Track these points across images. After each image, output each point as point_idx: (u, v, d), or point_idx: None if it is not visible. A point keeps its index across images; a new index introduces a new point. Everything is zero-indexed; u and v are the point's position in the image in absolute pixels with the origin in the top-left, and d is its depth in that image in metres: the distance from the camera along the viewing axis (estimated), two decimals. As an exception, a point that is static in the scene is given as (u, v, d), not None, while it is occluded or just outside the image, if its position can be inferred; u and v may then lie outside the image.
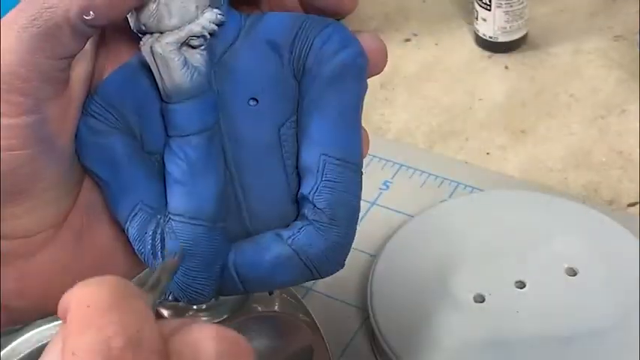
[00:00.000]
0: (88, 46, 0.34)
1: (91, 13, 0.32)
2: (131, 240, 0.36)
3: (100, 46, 0.36)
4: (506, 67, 0.77)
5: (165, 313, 0.54)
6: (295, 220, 0.36)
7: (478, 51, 0.79)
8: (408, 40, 0.82)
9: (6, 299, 0.35)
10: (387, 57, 0.37)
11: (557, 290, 0.55)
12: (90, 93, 0.36)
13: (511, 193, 0.62)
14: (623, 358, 0.51)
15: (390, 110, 0.74)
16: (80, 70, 0.35)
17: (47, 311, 0.37)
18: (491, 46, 0.79)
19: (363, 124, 0.37)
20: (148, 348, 0.25)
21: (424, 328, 0.53)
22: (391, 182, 0.67)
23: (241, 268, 0.36)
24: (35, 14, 0.32)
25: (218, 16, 0.35)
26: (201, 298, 0.36)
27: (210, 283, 0.36)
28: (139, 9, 0.34)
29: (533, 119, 0.72)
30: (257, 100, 0.36)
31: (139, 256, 0.36)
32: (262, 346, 0.53)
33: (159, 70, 0.34)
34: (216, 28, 0.35)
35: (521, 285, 0.55)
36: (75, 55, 0.33)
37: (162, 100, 0.35)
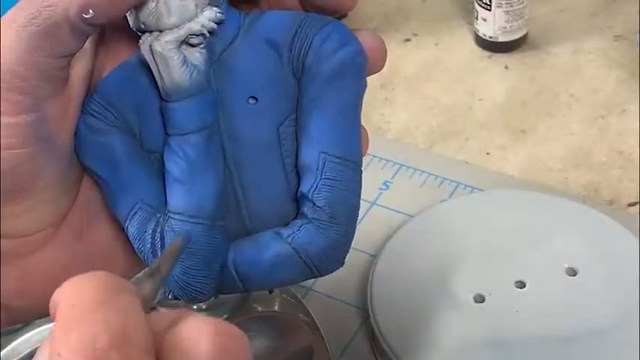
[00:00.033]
0: (88, 44, 0.34)
1: (91, 11, 0.32)
2: (131, 239, 0.36)
3: (99, 45, 0.36)
4: (506, 67, 0.77)
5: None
6: (295, 218, 0.36)
7: (478, 51, 0.79)
8: (408, 40, 0.82)
9: (6, 299, 0.35)
10: (386, 55, 0.37)
11: (557, 290, 0.55)
12: (89, 91, 0.36)
13: (511, 193, 0.62)
14: (623, 358, 0.51)
15: (390, 110, 0.74)
16: (79, 68, 0.35)
17: (47, 311, 0.37)
18: (491, 46, 0.79)
19: (362, 124, 0.37)
20: (136, 345, 0.25)
21: (424, 328, 0.53)
22: (391, 182, 0.66)
23: (241, 266, 0.36)
24: (34, 13, 0.32)
25: (217, 14, 0.35)
26: (200, 297, 0.36)
27: (210, 282, 0.36)
28: (138, 7, 0.34)
29: (533, 119, 0.72)
30: (256, 99, 0.36)
31: (139, 254, 0.36)
32: (262, 346, 0.53)
33: (158, 69, 0.34)
34: (215, 26, 0.35)
35: (521, 285, 0.55)
36: (74, 53, 0.33)
37: (161, 98, 0.35)
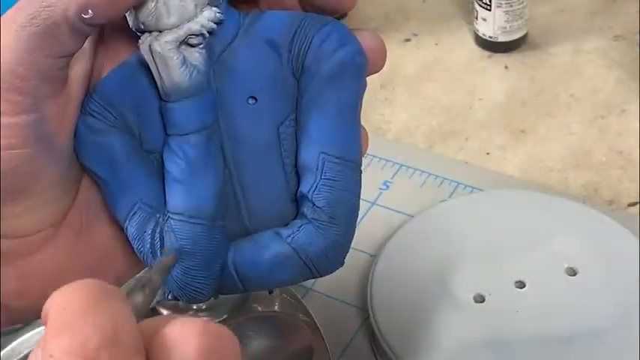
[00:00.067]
0: (87, 44, 0.34)
1: (90, 11, 0.32)
2: (130, 239, 0.36)
3: (98, 45, 0.36)
4: (506, 67, 0.77)
5: (164, 312, 0.53)
6: (294, 218, 0.36)
7: (478, 51, 0.79)
8: (408, 40, 0.82)
9: (6, 299, 0.35)
10: (386, 55, 0.37)
11: (557, 290, 0.54)
12: (89, 92, 0.36)
13: (511, 193, 0.62)
14: (623, 358, 0.51)
15: (390, 110, 0.74)
16: (79, 68, 0.35)
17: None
18: (491, 46, 0.79)
19: (362, 124, 0.37)
20: (126, 347, 0.25)
21: (424, 328, 0.53)
22: (391, 182, 0.66)
23: (241, 266, 0.36)
24: (34, 13, 0.32)
25: (217, 14, 0.35)
26: (200, 297, 0.36)
27: (210, 282, 0.36)
28: (137, 7, 0.34)
29: (533, 119, 0.72)
30: (256, 99, 0.36)
31: (138, 255, 0.36)
32: (262, 346, 0.53)
33: (158, 69, 0.34)
34: (215, 26, 0.35)
35: (521, 285, 0.55)
36: (73, 53, 0.33)
37: (161, 98, 0.35)
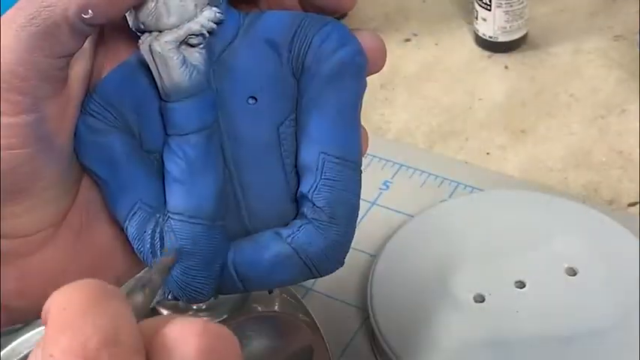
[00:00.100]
0: (87, 44, 0.34)
1: (90, 11, 0.32)
2: (130, 239, 0.36)
3: (98, 45, 0.36)
4: (506, 67, 0.77)
5: (164, 312, 0.53)
6: (294, 218, 0.36)
7: (478, 51, 0.79)
8: (408, 40, 0.82)
9: (6, 299, 0.35)
10: (386, 55, 0.37)
11: (557, 290, 0.54)
12: (89, 92, 0.36)
13: (511, 193, 0.62)
14: (623, 358, 0.51)
15: (390, 110, 0.74)
16: (79, 68, 0.35)
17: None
18: (491, 46, 0.79)
19: (362, 124, 0.37)
20: (126, 347, 0.25)
21: (424, 328, 0.53)
22: (391, 182, 0.66)
23: (241, 266, 0.36)
24: (34, 13, 0.32)
25: (217, 14, 0.35)
26: (200, 297, 0.36)
27: (210, 282, 0.36)
28: (137, 7, 0.34)
29: (533, 119, 0.72)
30: (256, 99, 0.36)
31: (138, 255, 0.36)
32: (262, 346, 0.53)
33: (158, 69, 0.34)
34: (215, 26, 0.35)
35: (521, 285, 0.55)
36: (73, 53, 0.33)
37: (161, 98, 0.35)
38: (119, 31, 0.36)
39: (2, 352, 0.54)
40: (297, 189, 0.36)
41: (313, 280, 0.58)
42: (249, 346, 0.52)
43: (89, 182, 0.37)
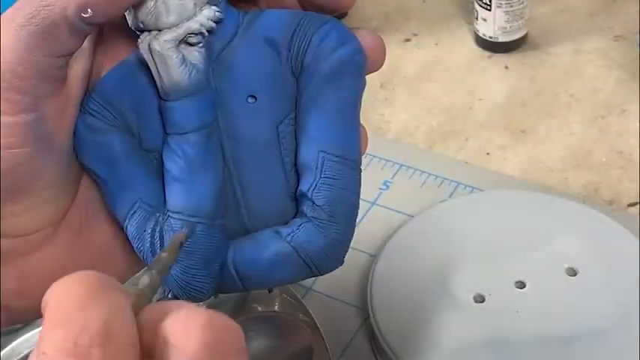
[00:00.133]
0: (86, 43, 0.34)
1: (89, 10, 0.32)
2: (130, 238, 0.36)
3: (97, 44, 0.36)
4: (506, 67, 0.77)
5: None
6: (294, 217, 0.36)
7: (478, 51, 0.79)
8: (408, 40, 0.82)
9: (6, 298, 0.35)
10: (385, 54, 0.37)
11: (557, 290, 0.54)
12: (88, 91, 0.36)
13: (511, 193, 0.62)
14: (623, 358, 0.51)
15: (390, 110, 0.74)
16: (78, 67, 0.35)
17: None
18: (491, 46, 0.79)
19: (362, 123, 0.37)
20: (120, 341, 0.25)
21: (424, 328, 0.53)
22: (391, 182, 0.66)
23: (240, 265, 0.36)
24: (33, 12, 0.32)
25: (216, 13, 0.35)
26: (200, 296, 0.36)
27: (210, 281, 0.36)
28: (136, 6, 0.34)
29: (533, 119, 0.72)
30: (255, 98, 0.36)
31: (138, 254, 0.36)
32: (262, 346, 0.53)
33: (157, 68, 0.34)
34: (214, 25, 0.35)
35: (521, 285, 0.55)
36: (73, 53, 0.33)
37: (160, 97, 0.35)
38: (118, 30, 0.36)
39: (2, 352, 0.54)
40: (297, 188, 0.36)
41: (313, 279, 0.59)
42: (249, 346, 0.52)
43: (88, 181, 0.37)
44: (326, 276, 0.37)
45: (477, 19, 0.78)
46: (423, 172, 0.67)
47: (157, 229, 0.35)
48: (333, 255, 0.36)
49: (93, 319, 0.25)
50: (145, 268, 0.30)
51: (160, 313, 0.26)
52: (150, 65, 0.34)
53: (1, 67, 0.32)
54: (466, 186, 0.65)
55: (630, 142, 0.68)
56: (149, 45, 0.34)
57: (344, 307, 0.58)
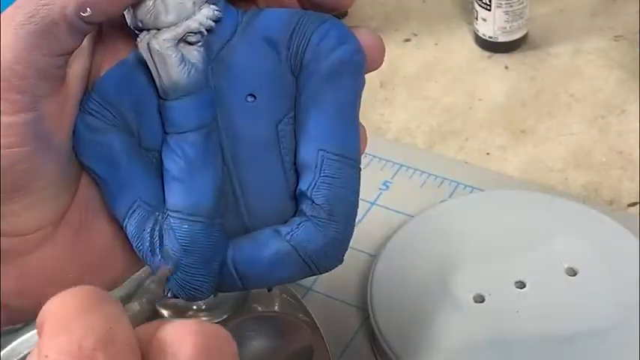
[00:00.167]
0: (85, 43, 0.34)
1: (88, 9, 0.32)
2: (129, 237, 0.36)
3: (97, 43, 0.36)
4: (506, 67, 0.77)
5: (165, 313, 0.53)
6: (293, 216, 0.36)
7: (478, 51, 0.79)
8: (408, 40, 0.82)
9: (5, 298, 0.35)
10: (384, 53, 0.37)
11: (557, 290, 0.54)
12: (87, 90, 0.36)
13: (511, 193, 0.62)
14: (623, 358, 0.51)
15: (390, 110, 0.74)
16: (77, 67, 0.35)
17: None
18: (491, 46, 0.79)
19: (362, 123, 0.37)
20: (122, 346, 0.25)
21: (424, 328, 0.53)
22: (391, 182, 0.66)
23: (240, 264, 0.36)
24: (32, 11, 0.32)
25: (215, 12, 0.35)
26: (200, 295, 0.36)
27: (209, 280, 0.36)
28: (135, 5, 0.34)
29: (533, 119, 0.72)
30: (254, 97, 0.36)
31: (138, 253, 0.36)
32: (262, 346, 0.53)
33: (156, 67, 0.34)
34: (213, 24, 0.35)
35: (521, 285, 0.55)
36: (72, 52, 0.33)
37: (159, 96, 0.35)
38: (117, 29, 0.36)
39: (2, 352, 0.54)
40: (296, 186, 0.36)
41: (313, 279, 0.59)
42: (249, 346, 0.52)
43: (88, 180, 0.37)
44: (326, 276, 0.38)
45: (476, 19, 0.78)
46: (423, 172, 0.67)
47: (157, 229, 0.35)
48: (332, 254, 0.36)
49: (97, 323, 0.25)
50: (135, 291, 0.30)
51: (152, 329, 0.26)
52: (149, 64, 0.34)
53: (1, 66, 0.32)
54: (466, 186, 0.65)
55: (630, 142, 0.68)
56: (148, 44, 0.34)
57: (344, 307, 0.58)
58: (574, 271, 0.55)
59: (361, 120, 0.37)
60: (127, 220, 0.36)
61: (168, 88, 0.34)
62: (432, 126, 0.72)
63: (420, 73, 0.78)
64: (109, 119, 0.35)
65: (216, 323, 0.27)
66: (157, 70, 0.34)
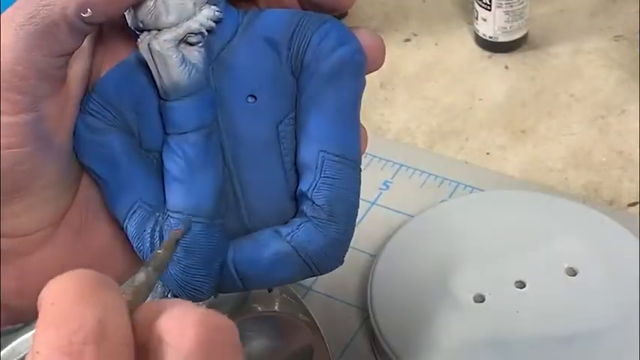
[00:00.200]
0: (86, 43, 0.34)
1: (89, 10, 0.32)
2: (130, 238, 0.36)
3: (97, 44, 0.36)
4: (506, 67, 0.77)
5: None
6: (294, 217, 0.36)
7: (478, 51, 0.79)
8: (408, 40, 0.82)
9: (6, 298, 0.35)
10: (384, 53, 0.37)
11: (557, 290, 0.54)
12: (87, 91, 0.36)
13: (511, 193, 0.62)
14: (623, 358, 0.51)
15: (390, 110, 0.74)
16: (78, 67, 0.35)
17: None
18: (492, 46, 0.79)
19: (362, 123, 0.37)
20: (114, 340, 0.25)
21: (424, 328, 0.53)
22: (391, 182, 0.66)
23: (240, 265, 0.36)
24: (33, 12, 0.32)
25: (216, 12, 0.35)
26: (200, 296, 0.36)
27: (209, 281, 0.36)
28: (136, 6, 0.34)
29: (533, 119, 0.72)
30: (255, 97, 0.36)
31: (138, 253, 0.36)
32: (262, 346, 0.53)
33: (157, 68, 0.34)
34: (213, 25, 0.35)
35: (521, 285, 0.55)
36: (72, 52, 0.33)
37: (160, 97, 0.35)
38: (118, 29, 0.36)
39: (2, 352, 0.54)
40: (297, 187, 0.36)
41: (313, 279, 0.59)
42: (249, 346, 0.52)
43: (88, 180, 0.37)
44: (326, 276, 0.37)
45: (476, 19, 0.78)
46: (423, 172, 0.67)
47: (157, 229, 0.35)
48: (332, 254, 0.36)
49: (87, 317, 0.24)
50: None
51: (154, 312, 0.26)
52: (149, 65, 0.34)
53: (0, 66, 0.32)
54: (466, 186, 0.65)
55: (630, 142, 0.68)
56: (149, 45, 0.34)
57: (344, 307, 0.58)
58: (574, 271, 0.55)
59: (361, 120, 0.37)
60: (127, 220, 0.36)
61: (169, 88, 0.34)
62: (432, 126, 0.72)
63: (420, 73, 0.78)
64: (110, 120, 0.35)
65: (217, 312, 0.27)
66: (158, 71, 0.34)
